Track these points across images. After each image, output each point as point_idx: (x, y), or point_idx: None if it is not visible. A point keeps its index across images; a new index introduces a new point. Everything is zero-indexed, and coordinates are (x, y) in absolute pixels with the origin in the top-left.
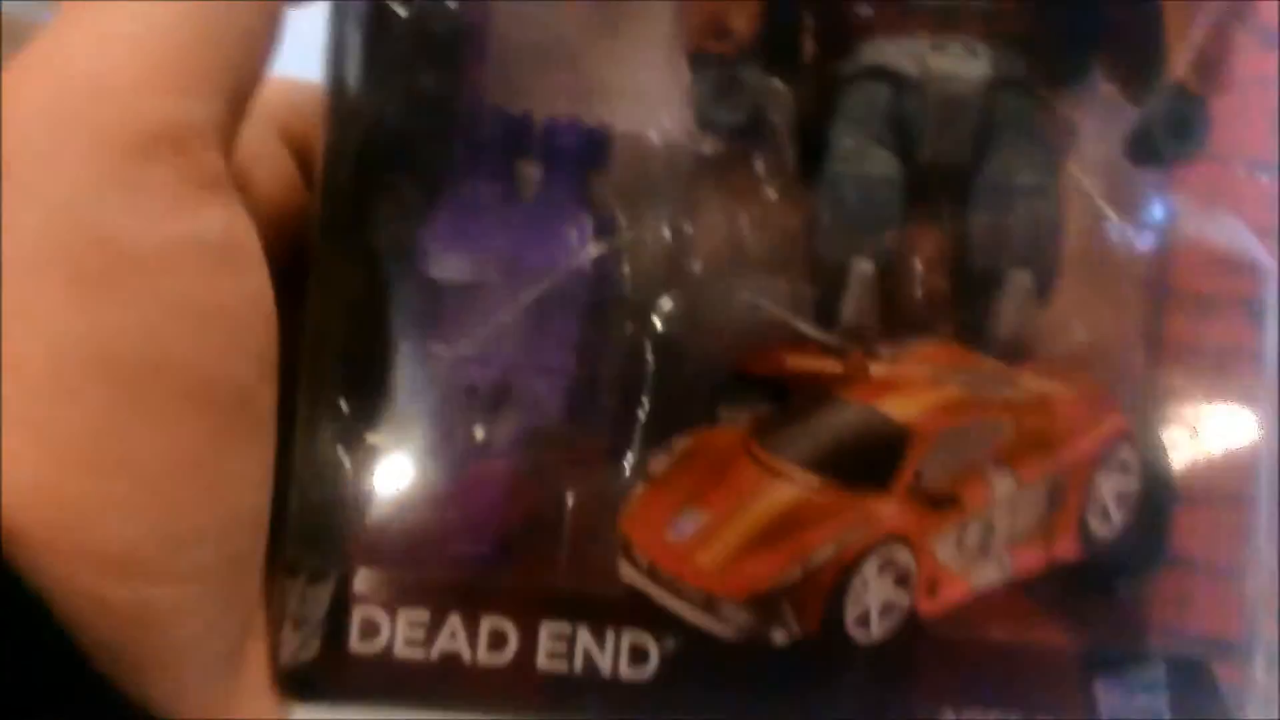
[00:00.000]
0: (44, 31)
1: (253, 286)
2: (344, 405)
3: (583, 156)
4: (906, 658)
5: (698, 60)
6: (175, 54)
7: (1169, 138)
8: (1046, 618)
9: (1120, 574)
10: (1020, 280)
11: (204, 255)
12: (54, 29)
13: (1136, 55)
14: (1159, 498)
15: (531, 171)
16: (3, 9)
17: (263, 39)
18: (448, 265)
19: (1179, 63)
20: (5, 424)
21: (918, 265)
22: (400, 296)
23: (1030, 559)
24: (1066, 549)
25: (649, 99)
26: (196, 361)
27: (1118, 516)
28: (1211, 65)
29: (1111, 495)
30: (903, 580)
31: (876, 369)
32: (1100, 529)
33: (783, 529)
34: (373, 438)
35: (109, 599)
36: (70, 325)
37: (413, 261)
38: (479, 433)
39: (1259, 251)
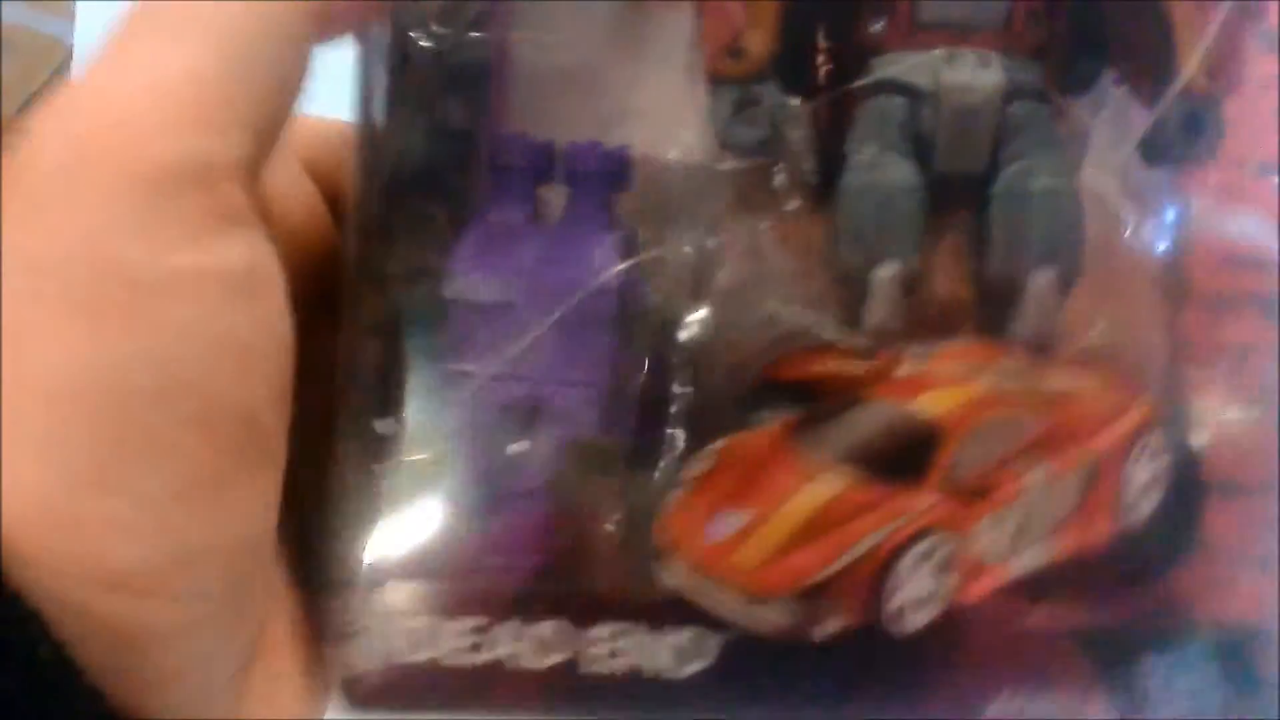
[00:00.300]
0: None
1: (270, 316)
2: (378, 427)
3: (606, 178)
4: (948, 646)
5: (716, 82)
6: (203, 93)
7: (1182, 138)
8: (1083, 601)
9: (1154, 557)
10: (1043, 279)
11: (222, 285)
12: (86, 71)
13: (1148, 59)
14: (1187, 483)
15: (556, 195)
16: (3, 17)
17: (292, 77)
18: (476, 288)
19: (1190, 65)
20: (13, 442)
21: (939, 269)
22: (431, 320)
23: (1066, 544)
24: (1101, 534)
25: (666, 121)
26: (208, 387)
27: (1149, 501)
28: (1222, 67)
29: (1142, 481)
30: (942, 570)
31: (906, 368)
32: (1133, 514)
33: (822, 525)
34: (410, 456)
35: (107, 616)
36: (84, 350)
37: (442, 285)
38: (514, 447)
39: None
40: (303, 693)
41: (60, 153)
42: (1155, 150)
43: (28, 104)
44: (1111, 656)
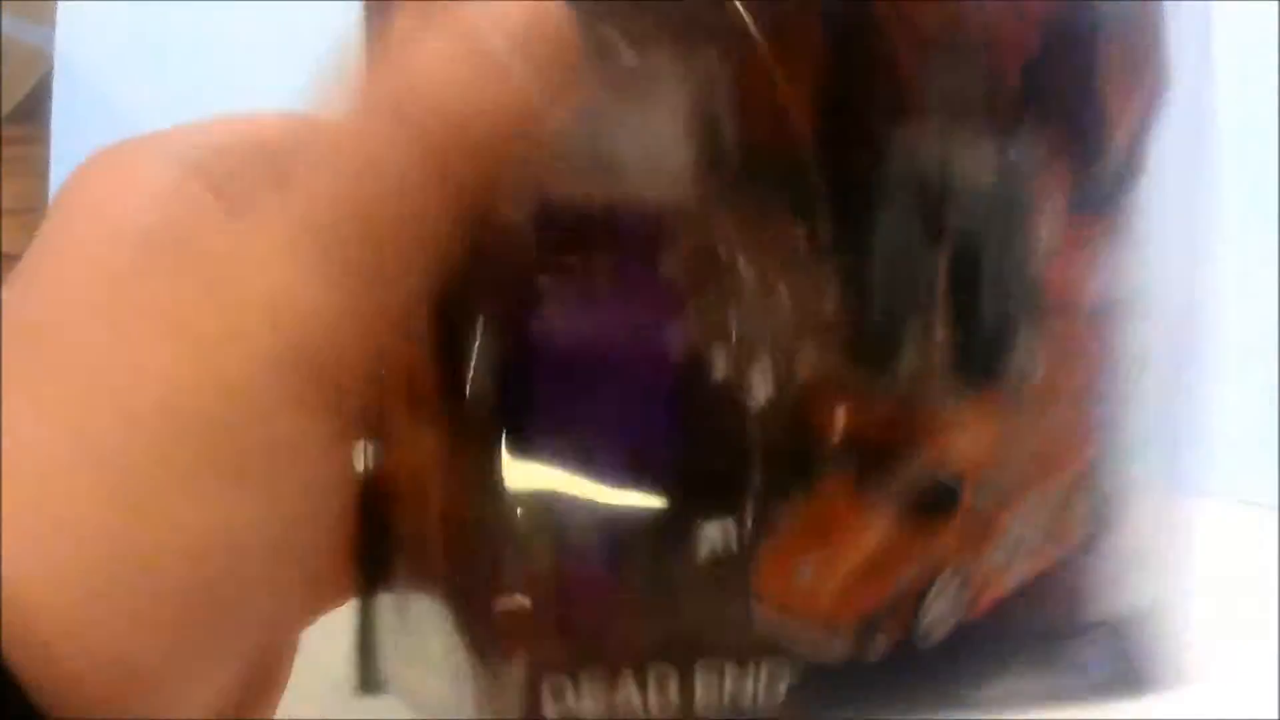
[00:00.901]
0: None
1: (335, 474)
2: None
3: (646, 240)
4: (958, 650)
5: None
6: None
7: (1117, 192)
8: (1041, 603)
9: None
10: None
11: (302, 450)
12: (240, 241)
13: (1082, 131)
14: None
15: (601, 260)
16: (3, 30)
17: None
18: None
19: (1121, 138)
20: (76, 540)
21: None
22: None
23: (1045, 558)
24: (1067, 545)
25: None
26: (264, 528)
27: (1097, 515)
28: (1136, 144)
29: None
30: (961, 590)
31: (937, 415)
32: (1083, 529)
33: (878, 564)
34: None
35: (97, 693)
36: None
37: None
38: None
39: None
40: None
41: (218, 337)
42: (1085, 204)
43: (15, 111)
44: (1054, 642)
